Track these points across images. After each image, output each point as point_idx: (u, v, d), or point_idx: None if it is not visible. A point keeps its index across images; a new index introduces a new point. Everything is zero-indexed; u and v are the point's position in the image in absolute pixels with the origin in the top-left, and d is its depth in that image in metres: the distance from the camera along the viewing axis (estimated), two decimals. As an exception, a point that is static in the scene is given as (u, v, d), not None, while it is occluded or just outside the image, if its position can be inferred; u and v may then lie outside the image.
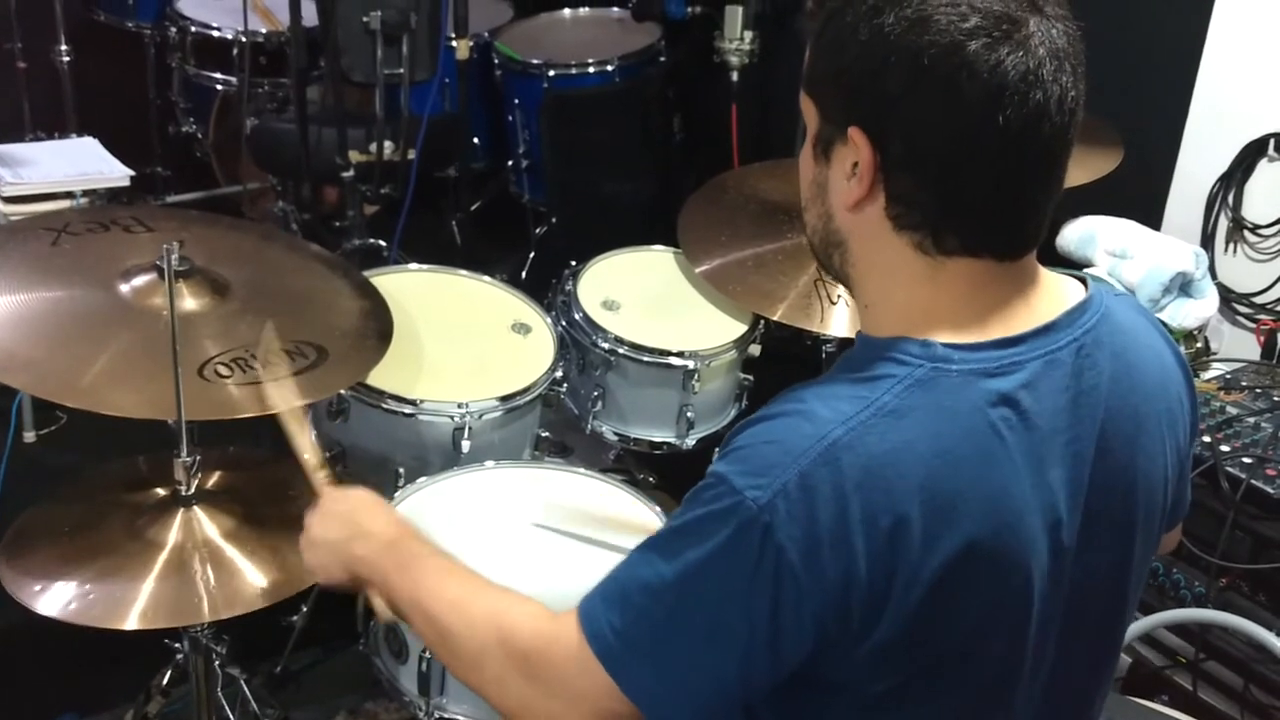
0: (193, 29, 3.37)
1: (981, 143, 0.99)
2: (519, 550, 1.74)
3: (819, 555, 0.96)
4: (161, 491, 1.80)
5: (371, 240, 3.03)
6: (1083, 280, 1.13)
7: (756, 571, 0.97)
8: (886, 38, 0.99)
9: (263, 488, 1.85)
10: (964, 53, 0.97)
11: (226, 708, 1.95)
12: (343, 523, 1.31)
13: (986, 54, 0.97)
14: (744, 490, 0.97)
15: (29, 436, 2.77)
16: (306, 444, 1.50)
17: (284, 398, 1.61)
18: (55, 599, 1.64)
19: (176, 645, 1.95)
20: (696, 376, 2.22)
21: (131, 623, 1.61)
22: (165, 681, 2.02)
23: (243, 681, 1.99)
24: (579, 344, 2.27)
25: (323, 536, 1.32)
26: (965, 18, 0.97)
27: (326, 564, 1.32)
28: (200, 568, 1.69)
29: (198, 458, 1.73)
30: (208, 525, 1.75)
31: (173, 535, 1.73)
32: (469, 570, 1.21)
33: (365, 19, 2.77)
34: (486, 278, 2.35)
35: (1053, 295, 1.09)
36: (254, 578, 1.70)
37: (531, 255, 3.51)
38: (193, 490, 1.76)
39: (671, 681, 1.01)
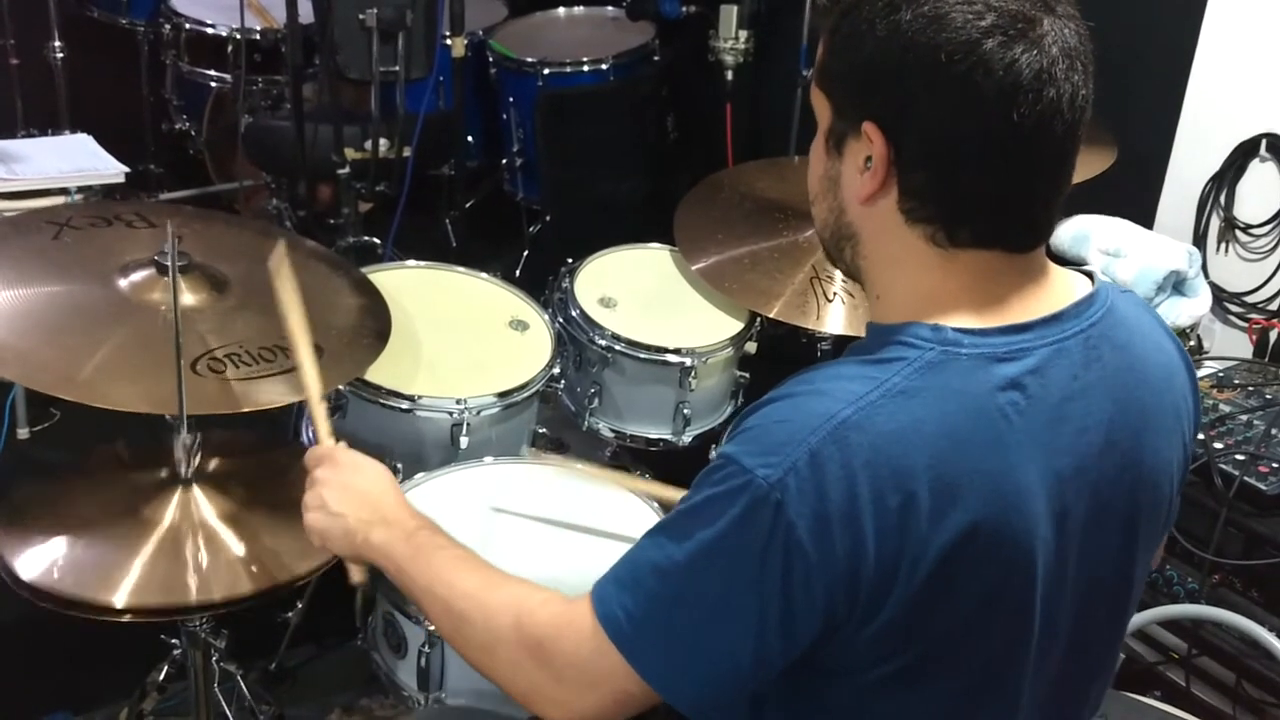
0: (187, 26, 3.36)
1: (995, 139, 1.00)
2: (519, 545, 1.74)
3: (829, 532, 0.97)
4: (161, 472, 1.77)
5: (366, 238, 3.03)
6: (1089, 275, 1.14)
7: (767, 549, 0.97)
8: (904, 34, 0.99)
9: (263, 473, 1.83)
10: (980, 50, 0.98)
11: (223, 703, 1.94)
12: (362, 503, 1.29)
13: (1002, 52, 0.98)
14: (754, 469, 0.98)
15: (22, 433, 2.77)
16: (317, 386, 1.46)
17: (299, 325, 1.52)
18: (44, 565, 1.61)
19: (174, 641, 1.95)
20: (693, 373, 2.22)
21: (121, 598, 1.58)
22: (162, 678, 2.01)
23: (239, 677, 1.99)
24: (576, 341, 2.27)
25: (339, 510, 1.29)
26: (981, 16, 0.98)
27: (333, 535, 1.30)
28: (195, 548, 1.67)
29: (198, 437, 1.71)
30: (205, 507, 1.72)
31: (169, 514, 1.70)
32: (487, 563, 1.21)
33: (361, 16, 2.78)
34: (484, 275, 2.34)
35: (1060, 287, 1.10)
36: (249, 562, 1.67)
37: (525, 253, 3.50)
38: (192, 471, 1.73)
39: (685, 662, 1.02)
